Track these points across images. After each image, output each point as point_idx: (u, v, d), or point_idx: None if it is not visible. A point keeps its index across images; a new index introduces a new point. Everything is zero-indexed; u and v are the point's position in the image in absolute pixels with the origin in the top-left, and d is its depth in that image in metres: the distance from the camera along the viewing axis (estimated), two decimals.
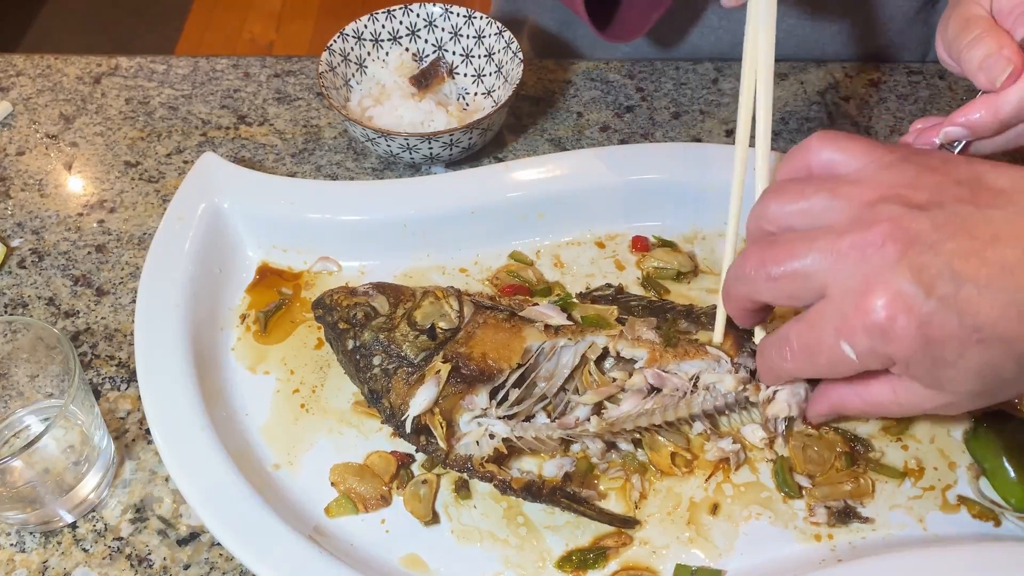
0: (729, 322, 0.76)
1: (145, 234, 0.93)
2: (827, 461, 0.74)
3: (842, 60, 1.09)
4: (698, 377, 0.75)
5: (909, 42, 1.10)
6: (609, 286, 0.84)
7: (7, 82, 1.08)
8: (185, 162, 1.00)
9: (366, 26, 0.99)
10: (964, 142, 0.70)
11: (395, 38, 1.01)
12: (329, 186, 0.88)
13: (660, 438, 0.75)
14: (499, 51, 0.99)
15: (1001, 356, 0.52)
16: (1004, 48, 0.65)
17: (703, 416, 0.75)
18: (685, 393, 0.75)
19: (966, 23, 0.69)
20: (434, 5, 1.00)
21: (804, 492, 0.73)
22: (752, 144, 0.72)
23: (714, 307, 0.77)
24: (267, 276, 0.87)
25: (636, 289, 0.86)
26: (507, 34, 0.97)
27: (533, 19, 1.20)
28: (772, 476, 0.74)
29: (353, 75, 1.00)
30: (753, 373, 0.76)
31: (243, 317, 0.84)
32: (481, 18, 0.99)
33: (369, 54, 1.01)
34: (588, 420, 0.73)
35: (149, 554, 0.71)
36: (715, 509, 0.73)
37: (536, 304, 0.78)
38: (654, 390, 0.75)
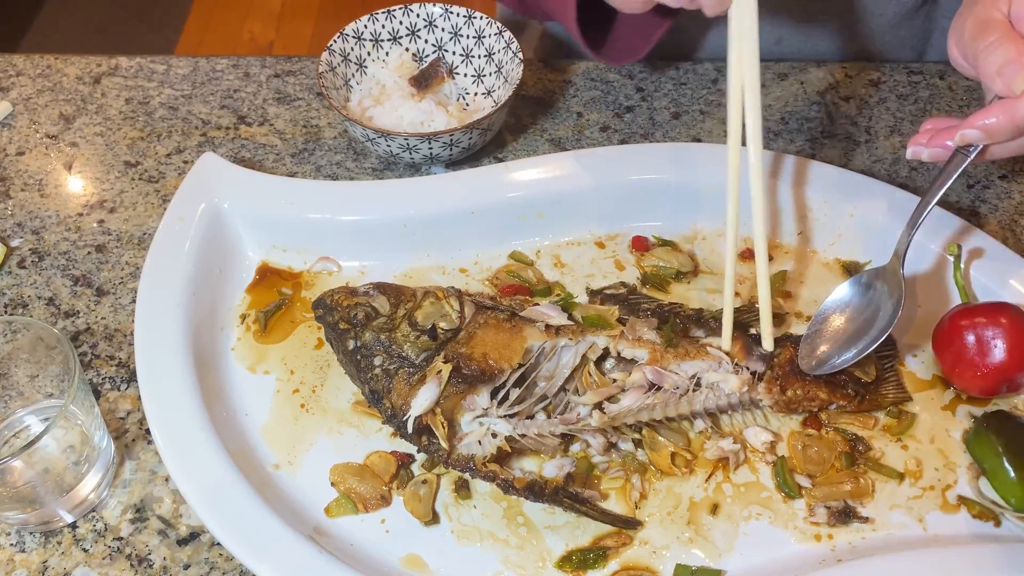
0: (736, 328, 0.77)
1: (145, 234, 0.93)
2: (827, 461, 0.74)
3: (842, 60, 1.09)
4: (699, 377, 0.76)
5: (909, 38, 1.10)
6: (623, 284, 0.85)
7: (7, 82, 1.08)
8: (185, 162, 1.00)
9: (366, 26, 0.99)
10: (980, 146, 0.70)
11: (395, 38, 1.01)
12: (329, 186, 0.88)
13: (660, 438, 0.75)
14: (499, 51, 0.99)
15: None
16: (1023, 55, 0.66)
17: (704, 414, 0.76)
18: (687, 390, 0.75)
19: (983, 27, 0.69)
20: (434, 5, 1.00)
21: (804, 492, 0.73)
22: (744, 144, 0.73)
23: (721, 311, 0.77)
24: (267, 276, 0.87)
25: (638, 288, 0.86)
26: (507, 34, 0.97)
27: (537, 21, 1.20)
28: (772, 476, 0.74)
29: (353, 75, 1.00)
30: (755, 375, 0.76)
31: (243, 317, 0.84)
32: (481, 18, 0.99)
33: (369, 54, 1.01)
34: (590, 415, 0.73)
35: (149, 554, 0.71)
36: (715, 509, 0.73)
37: (536, 304, 0.78)
38: (655, 387, 0.75)
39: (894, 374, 0.79)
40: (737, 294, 0.83)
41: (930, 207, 0.76)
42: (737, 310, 0.78)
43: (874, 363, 0.77)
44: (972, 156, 0.72)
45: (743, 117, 0.72)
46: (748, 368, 0.76)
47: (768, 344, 0.77)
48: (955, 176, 0.73)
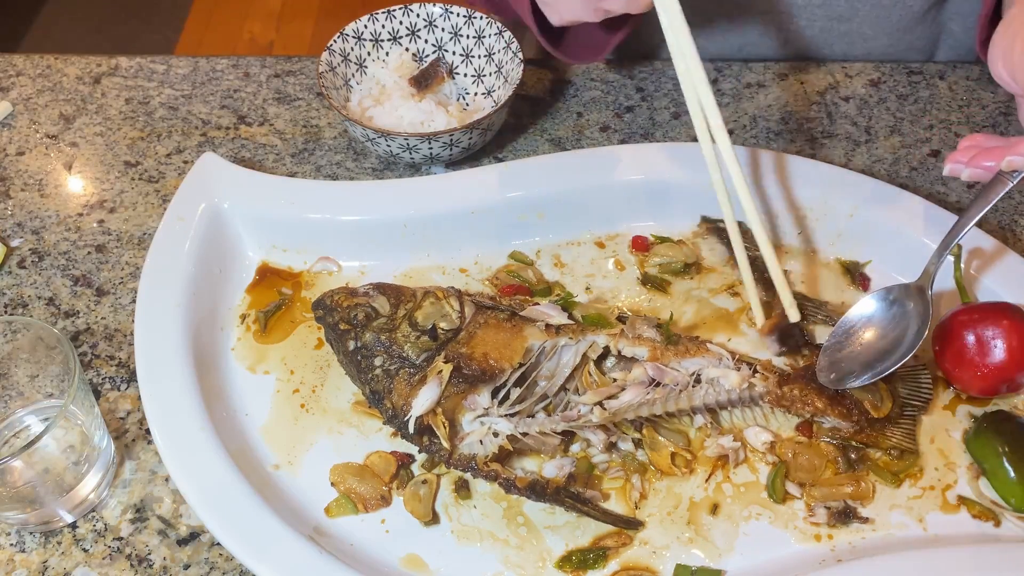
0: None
1: (145, 234, 0.93)
2: (817, 469, 0.74)
3: (844, 60, 1.09)
4: (699, 373, 0.76)
5: (915, 41, 1.10)
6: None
7: (7, 82, 1.08)
8: (185, 162, 1.00)
9: (366, 26, 0.99)
10: None
11: (395, 38, 1.01)
12: (329, 186, 0.88)
13: (660, 438, 0.75)
14: (499, 51, 0.99)
15: None
16: None
17: (704, 410, 0.75)
18: (688, 385, 0.75)
19: None
20: (434, 5, 1.00)
21: (803, 493, 0.73)
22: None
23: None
24: (267, 276, 0.87)
25: (636, 288, 0.86)
26: (507, 34, 0.97)
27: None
28: (767, 486, 0.74)
29: (353, 75, 1.00)
30: (755, 371, 0.76)
31: (243, 317, 0.84)
32: (481, 18, 0.99)
33: (369, 54, 1.01)
34: (591, 412, 0.73)
35: (149, 554, 0.71)
36: (715, 509, 0.73)
37: (536, 304, 0.78)
38: (655, 383, 0.75)
39: (910, 421, 0.75)
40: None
41: (967, 229, 0.74)
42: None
43: (891, 400, 0.75)
44: (1015, 181, 0.71)
45: (705, 117, 0.74)
46: (747, 364, 0.76)
47: (793, 315, 0.75)
48: (995, 200, 0.72)
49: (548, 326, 0.76)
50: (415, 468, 0.75)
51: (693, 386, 0.75)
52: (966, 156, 0.72)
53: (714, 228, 0.87)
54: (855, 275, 0.86)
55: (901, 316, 0.75)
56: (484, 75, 1.01)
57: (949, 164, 0.73)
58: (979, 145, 0.73)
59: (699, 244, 0.89)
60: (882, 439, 0.74)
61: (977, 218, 0.74)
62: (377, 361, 0.74)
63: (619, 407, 0.73)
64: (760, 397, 0.75)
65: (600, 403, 0.74)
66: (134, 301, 0.83)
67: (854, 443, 0.75)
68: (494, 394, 0.73)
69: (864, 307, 0.77)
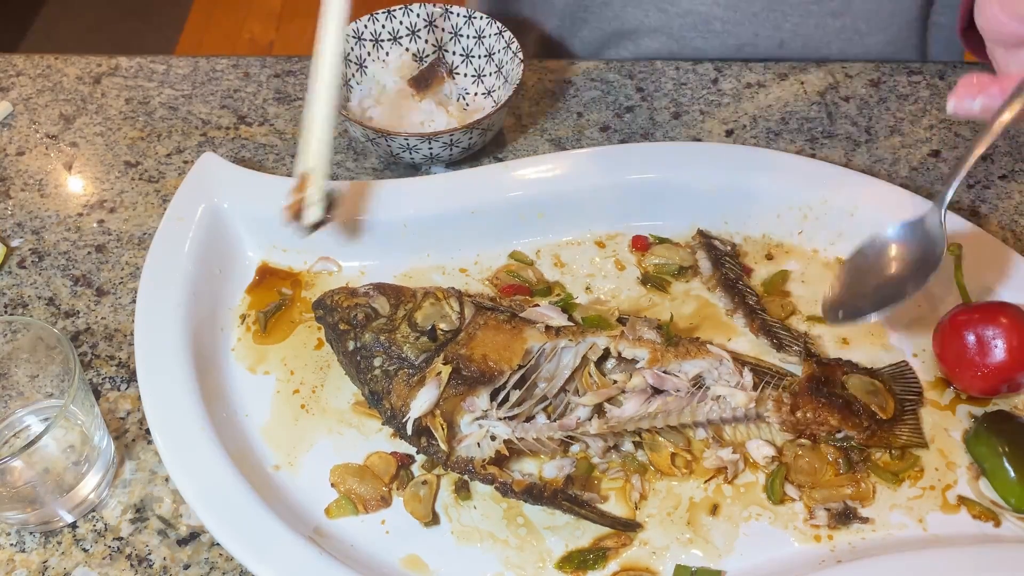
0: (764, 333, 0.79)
1: (145, 234, 0.93)
2: (818, 472, 0.73)
3: (843, 60, 1.09)
4: (702, 378, 0.75)
5: (914, 36, 1.10)
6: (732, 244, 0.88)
7: (7, 82, 1.08)
8: (185, 162, 1.00)
9: (366, 26, 0.99)
10: None
11: (395, 38, 1.01)
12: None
13: (660, 438, 0.75)
14: (499, 51, 0.99)
15: None
16: None
17: (707, 424, 0.75)
18: (689, 393, 0.74)
19: None
20: (434, 5, 1.00)
21: (802, 495, 0.73)
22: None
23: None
24: (267, 276, 0.87)
25: (636, 288, 0.86)
26: (507, 34, 0.97)
27: (531, 19, 1.20)
28: (766, 487, 0.74)
29: (353, 75, 1.00)
30: (759, 386, 0.75)
31: (243, 317, 0.84)
32: (481, 18, 0.99)
33: (369, 54, 1.01)
34: (589, 420, 0.73)
35: (149, 554, 0.71)
36: (715, 510, 0.73)
37: (536, 305, 0.78)
38: (656, 391, 0.75)
39: (913, 417, 0.76)
40: (764, 308, 0.83)
41: (976, 155, 0.69)
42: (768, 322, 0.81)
43: (893, 400, 0.75)
44: None
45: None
46: (749, 368, 0.76)
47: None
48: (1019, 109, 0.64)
49: (548, 328, 0.75)
50: (415, 469, 0.75)
51: (698, 402, 0.74)
52: (972, 90, 0.66)
53: (706, 243, 0.86)
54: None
55: (915, 244, 0.73)
56: (484, 75, 1.01)
57: (954, 100, 0.67)
58: (981, 81, 0.66)
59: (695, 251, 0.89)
60: (892, 439, 0.74)
61: (1001, 128, 0.66)
62: (376, 362, 0.74)
63: (618, 420, 0.73)
64: (771, 422, 0.74)
65: (600, 411, 0.73)
66: (134, 301, 0.83)
67: (861, 447, 0.75)
68: (493, 396, 0.73)
69: (872, 246, 0.76)
